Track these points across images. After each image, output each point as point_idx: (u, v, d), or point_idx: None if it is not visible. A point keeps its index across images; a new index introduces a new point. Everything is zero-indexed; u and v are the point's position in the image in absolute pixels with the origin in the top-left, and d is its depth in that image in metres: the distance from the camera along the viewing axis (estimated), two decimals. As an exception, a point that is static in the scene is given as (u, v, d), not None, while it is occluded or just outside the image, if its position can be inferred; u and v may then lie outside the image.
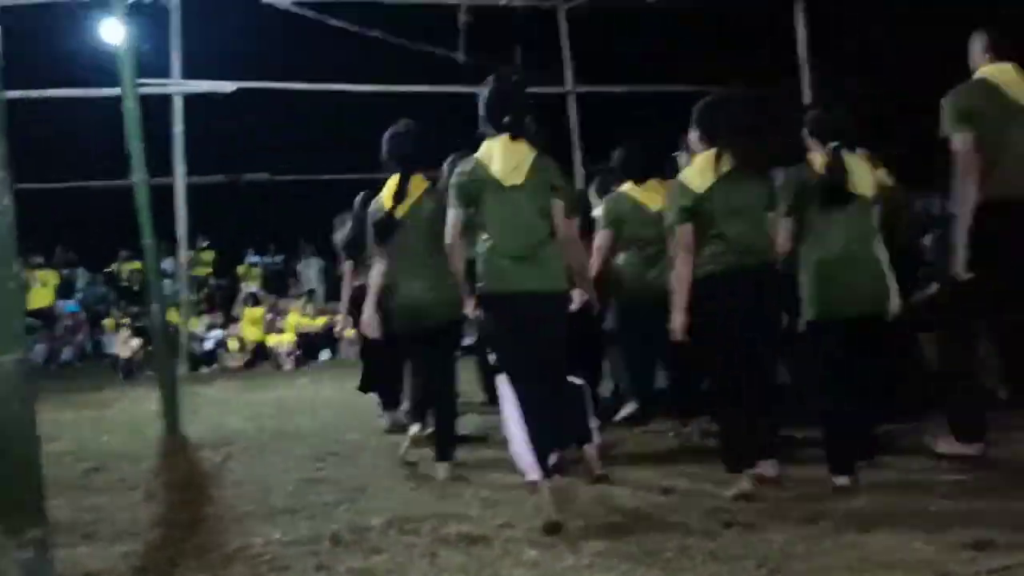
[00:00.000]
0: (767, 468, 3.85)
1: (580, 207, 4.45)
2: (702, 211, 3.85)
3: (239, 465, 5.08)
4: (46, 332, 12.85)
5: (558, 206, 3.76)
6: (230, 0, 10.77)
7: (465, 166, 3.79)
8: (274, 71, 11.61)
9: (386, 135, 4.56)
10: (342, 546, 3.35)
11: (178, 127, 11.07)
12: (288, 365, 11.81)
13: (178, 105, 11.06)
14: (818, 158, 4.01)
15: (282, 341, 12.23)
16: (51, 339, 12.94)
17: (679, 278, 3.89)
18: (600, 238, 5.16)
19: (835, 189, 3.92)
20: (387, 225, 4.47)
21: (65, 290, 13.89)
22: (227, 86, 11.41)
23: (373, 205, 4.66)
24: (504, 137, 3.72)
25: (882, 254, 4.02)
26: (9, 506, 1.86)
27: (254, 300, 13.40)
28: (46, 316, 13.12)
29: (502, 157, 3.70)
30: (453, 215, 3.78)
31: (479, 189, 3.71)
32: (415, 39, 11.57)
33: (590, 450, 4.16)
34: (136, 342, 11.08)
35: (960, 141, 4.11)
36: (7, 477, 1.86)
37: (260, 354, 12.38)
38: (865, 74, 11.51)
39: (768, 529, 3.27)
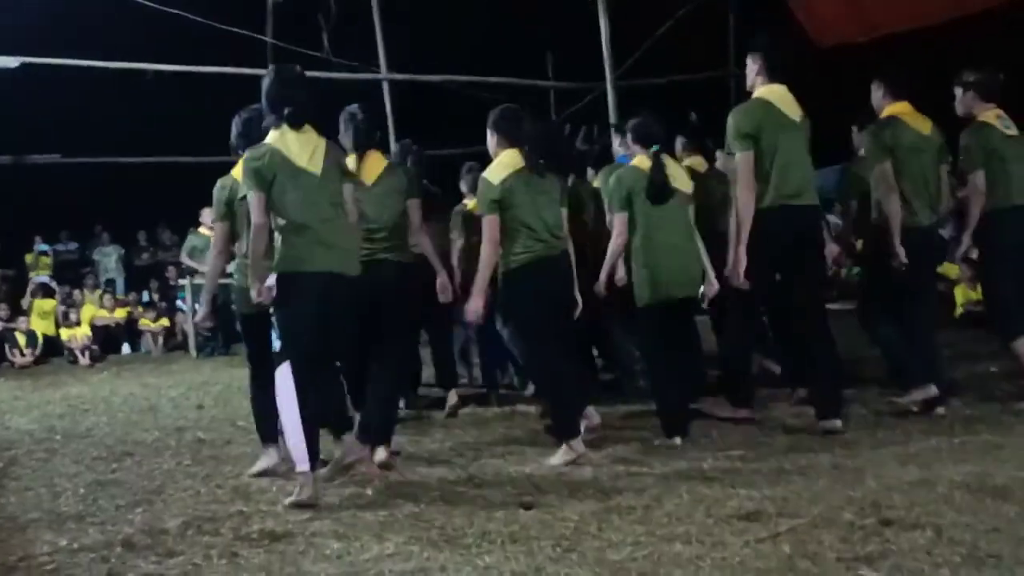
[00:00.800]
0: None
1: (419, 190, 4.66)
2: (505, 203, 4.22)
3: (24, 470, 4.77)
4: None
5: (348, 190, 3.92)
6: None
7: (259, 151, 3.76)
8: (66, 48, 10.81)
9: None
10: (135, 551, 3.24)
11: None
12: (84, 360, 11.11)
13: (-47, 80, 10.12)
14: (643, 161, 4.57)
15: (76, 335, 11.49)
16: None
17: (486, 265, 4.24)
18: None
19: (659, 186, 4.48)
20: None
21: None
22: (11, 61, 10.56)
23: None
24: (286, 127, 3.77)
25: (699, 242, 4.65)
26: None
27: (45, 291, 12.49)
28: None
29: (297, 144, 3.76)
30: (256, 198, 3.73)
31: (274, 173, 3.71)
32: (220, 19, 11.12)
33: (348, 439, 4.03)
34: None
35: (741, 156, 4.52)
36: None
37: (51, 349, 11.58)
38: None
39: (565, 508, 3.43)
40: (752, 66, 4.64)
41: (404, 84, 12.70)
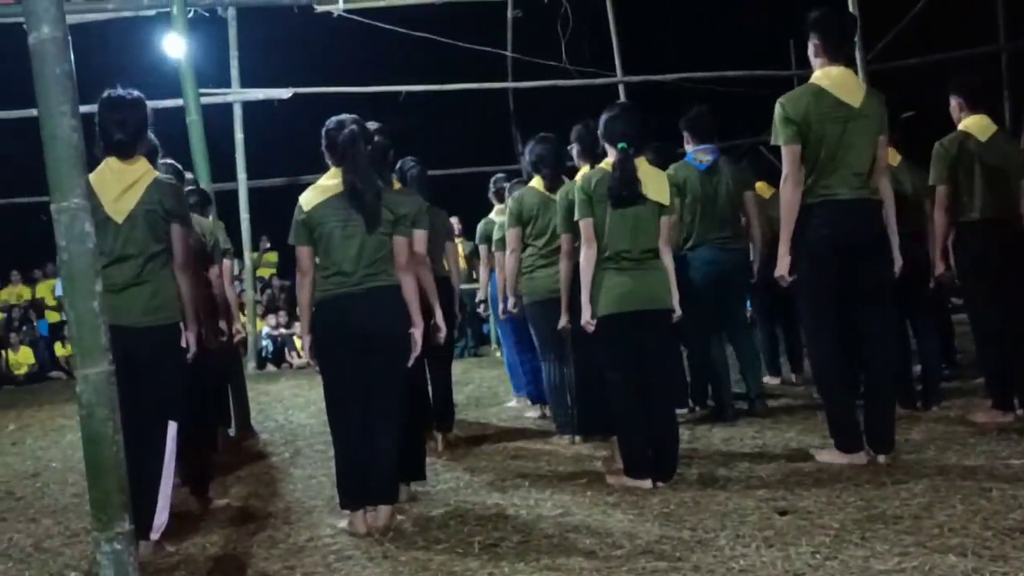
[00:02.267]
0: None
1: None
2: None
3: (307, 460, 5.27)
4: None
5: (177, 231, 3.65)
6: (283, 9, 11.01)
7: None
8: (328, 76, 11.84)
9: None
10: (404, 537, 3.49)
11: (239, 134, 11.40)
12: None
13: (238, 112, 11.39)
14: (608, 160, 4.13)
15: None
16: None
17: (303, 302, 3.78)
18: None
19: (624, 189, 3.99)
20: None
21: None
22: (283, 93, 11.73)
23: None
24: (112, 160, 3.60)
25: (667, 256, 4.12)
26: (100, 503, 2.02)
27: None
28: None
29: (108, 182, 3.55)
30: None
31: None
32: (463, 38, 11.71)
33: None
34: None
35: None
36: (98, 477, 2.02)
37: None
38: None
39: (824, 515, 3.31)
40: (810, 46, 4.18)
41: (639, 86, 12.77)
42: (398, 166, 5.58)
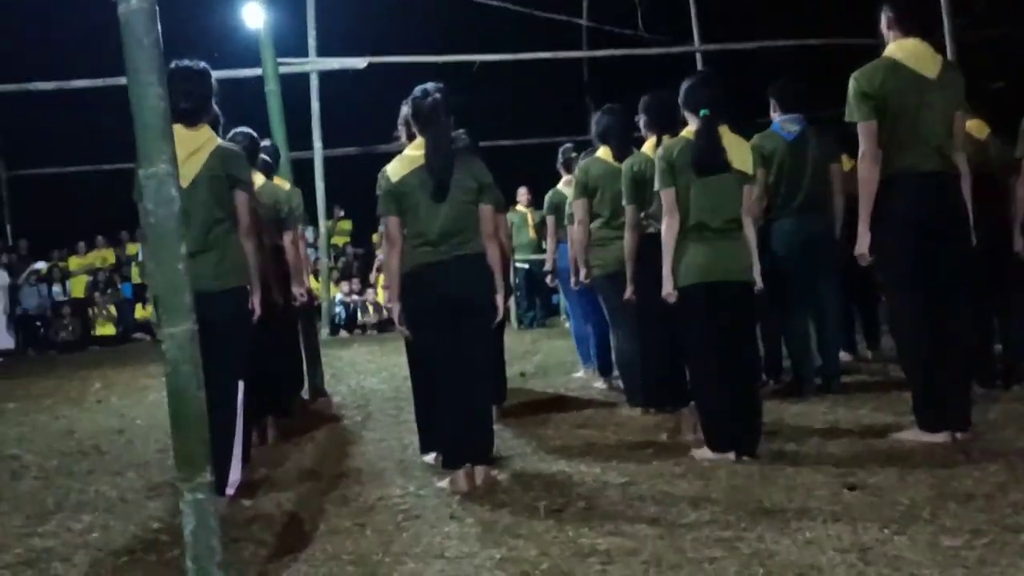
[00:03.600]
0: None
1: None
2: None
3: (378, 423, 5.40)
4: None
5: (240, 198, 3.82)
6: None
7: None
8: (403, 45, 11.93)
9: None
10: (472, 499, 3.57)
11: (316, 103, 11.59)
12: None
13: (315, 82, 11.57)
14: (689, 127, 4.02)
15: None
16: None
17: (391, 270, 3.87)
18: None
19: (708, 157, 3.91)
20: None
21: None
22: (360, 62, 11.86)
23: None
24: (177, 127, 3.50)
25: (749, 227, 4.05)
26: (184, 455, 2.12)
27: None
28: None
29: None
30: None
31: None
32: (538, 7, 11.66)
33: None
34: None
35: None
36: (182, 431, 2.12)
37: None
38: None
39: (894, 491, 3.27)
40: (882, 19, 4.04)
41: (717, 54, 12.56)
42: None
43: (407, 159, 3.81)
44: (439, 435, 3.84)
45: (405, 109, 4.32)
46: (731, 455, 3.87)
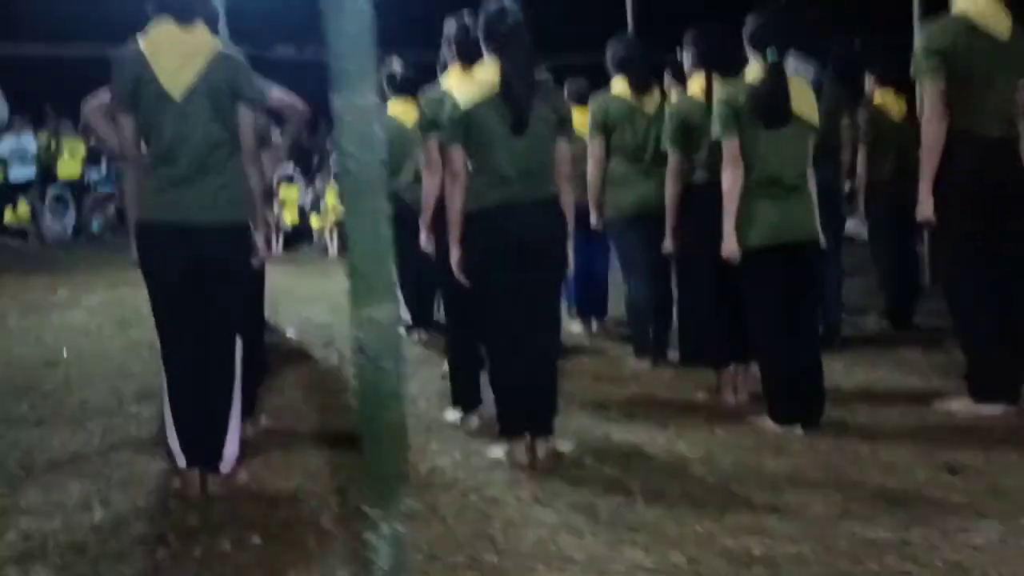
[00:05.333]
0: None
1: None
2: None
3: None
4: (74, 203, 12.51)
5: (245, 115, 3.13)
6: None
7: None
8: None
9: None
10: (544, 476, 3.19)
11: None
12: (332, 250, 11.56)
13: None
14: (753, 71, 3.66)
15: (326, 223, 11.93)
16: (80, 210, 12.61)
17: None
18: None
19: (777, 107, 3.57)
20: None
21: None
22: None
23: None
24: (168, 23, 3.03)
25: (812, 182, 3.74)
26: (379, 476, 1.63)
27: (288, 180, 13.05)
28: (75, 187, 12.72)
29: (164, 50, 3.00)
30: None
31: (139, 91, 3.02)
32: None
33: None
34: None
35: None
36: (379, 445, 1.63)
37: (299, 238, 12.10)
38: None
39: (999, 476, 3.10)
40: None
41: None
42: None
43: (479, 83, 3.28)
44: (498, 396, 3.41)
45: (455, 26, 3.80)
46: (797, 428, 3.64)
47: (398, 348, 1.63)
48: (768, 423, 3.69)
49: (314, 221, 12.12)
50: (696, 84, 4.24)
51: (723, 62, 4.04)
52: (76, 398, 4.39)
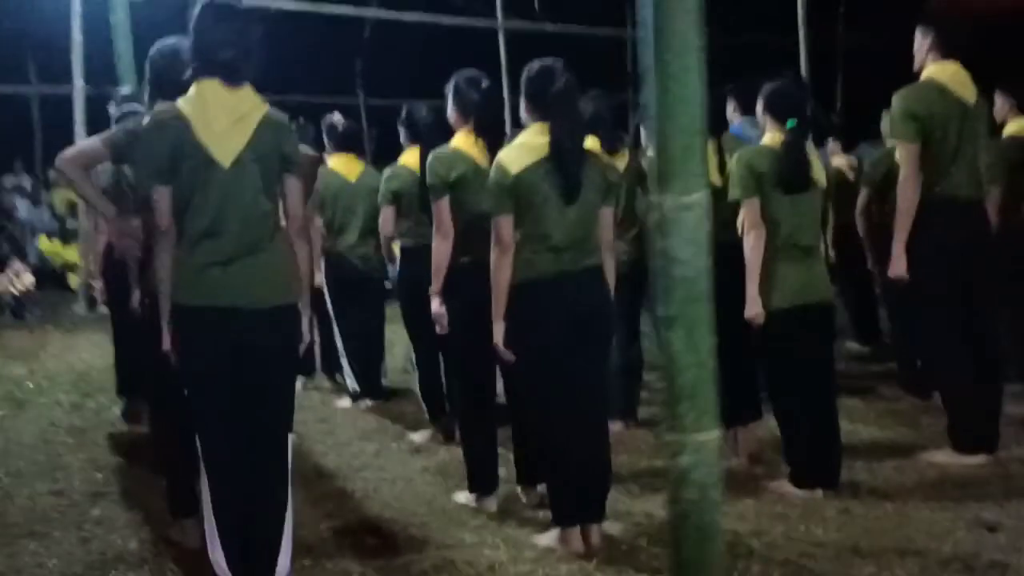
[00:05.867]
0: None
1: None
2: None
3: (331, 442, 4.51)
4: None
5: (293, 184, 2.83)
6: None
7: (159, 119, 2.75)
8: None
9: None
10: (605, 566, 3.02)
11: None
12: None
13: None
14: (774, 137, 3.72)
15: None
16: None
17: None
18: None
19: (798, 174, 3.64)
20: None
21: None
22: None
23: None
24: (217, 82, 2.70)
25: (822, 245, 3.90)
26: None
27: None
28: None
29: (212, 113, 2.68)
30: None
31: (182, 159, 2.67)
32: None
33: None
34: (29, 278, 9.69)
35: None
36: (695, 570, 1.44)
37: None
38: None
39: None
40: (922, 40, 4.09)
41: (522, 34, 11.96)
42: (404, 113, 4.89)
43: (528, 148, 3.13)
44: (553, 481, 3.20)
45: (462, 81, 3.66)
46: (819, 492, 3.66)
47: (720, 475, 1.46)
48: (788, 487, 3.70)
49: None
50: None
51: (715, 124, 4.05)
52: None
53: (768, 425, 4.10)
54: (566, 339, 3.10)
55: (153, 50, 3.28)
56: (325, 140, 5.41)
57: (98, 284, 5.32)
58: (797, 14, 9.33)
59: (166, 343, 2.72)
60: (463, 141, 3.56)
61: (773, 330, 3.66)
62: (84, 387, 6.05)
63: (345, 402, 5.47)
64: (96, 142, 3.27)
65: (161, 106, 2.97)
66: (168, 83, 3.04)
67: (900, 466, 4.03)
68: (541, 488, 3.53)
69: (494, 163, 3.19)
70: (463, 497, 3.70)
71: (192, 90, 2.70)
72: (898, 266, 4.02)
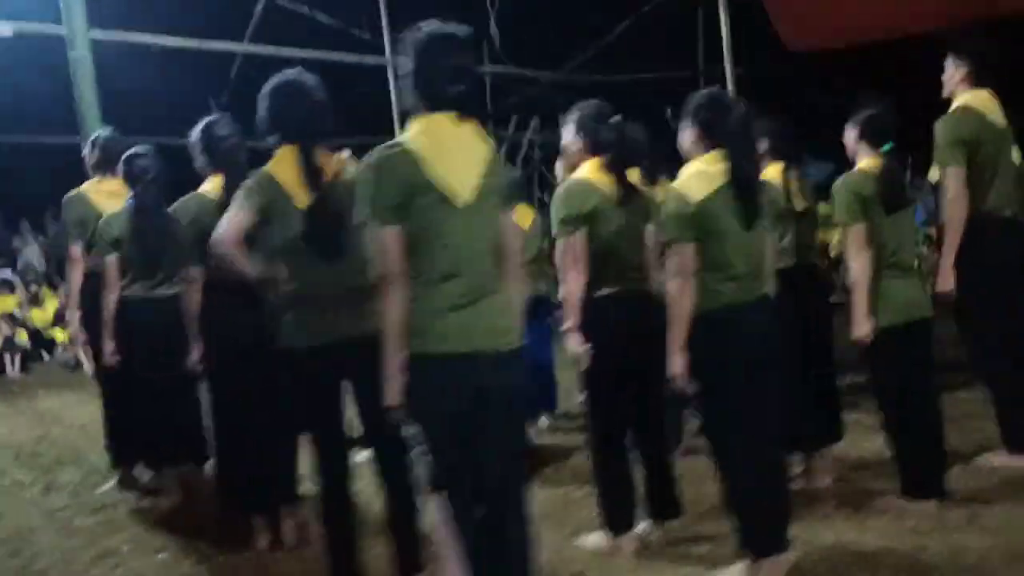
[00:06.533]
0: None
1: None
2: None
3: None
4: None
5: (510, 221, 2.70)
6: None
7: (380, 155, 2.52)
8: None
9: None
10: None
11: None
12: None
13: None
14: (869, 162, 3.87)
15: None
16: None
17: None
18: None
19: (897, 194, 3.83)
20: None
21: None
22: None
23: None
24: (447, 116, 2.56)
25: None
26: None
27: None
28: None
29: (448, 148, 2.54)
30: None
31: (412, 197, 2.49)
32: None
33: None
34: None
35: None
36: None
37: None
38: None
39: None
40: (954, 71, 4.41)
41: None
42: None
43: (706, 176, 3.11)
44: (745, 516, 3.14)
45: (583, 115, 3.64)
46: (931, 503, 3.74)
47: None
48: (900, 502, 3.77)
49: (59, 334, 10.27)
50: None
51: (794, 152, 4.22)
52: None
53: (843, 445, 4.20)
54: (749, 367, 3.10)
55: (270, 86, 3.16)
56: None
57: (82, 338, 4.90)
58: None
59: (391, 398, 2.47)
60: (594, 172, 3.53)
61: (883, 348, 3.77)
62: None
63: None
64: (240, 213, 3.05)
65: (287, 146, 3.04)
66: (291, 120, 3.07)
67: (968, 470, 4.13)
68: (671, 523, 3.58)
69: (671, 192, 3.18)
70: (592, 540, 3.58)
71: (419, 124, 2.56)
72: (945, 281, 4.24)
